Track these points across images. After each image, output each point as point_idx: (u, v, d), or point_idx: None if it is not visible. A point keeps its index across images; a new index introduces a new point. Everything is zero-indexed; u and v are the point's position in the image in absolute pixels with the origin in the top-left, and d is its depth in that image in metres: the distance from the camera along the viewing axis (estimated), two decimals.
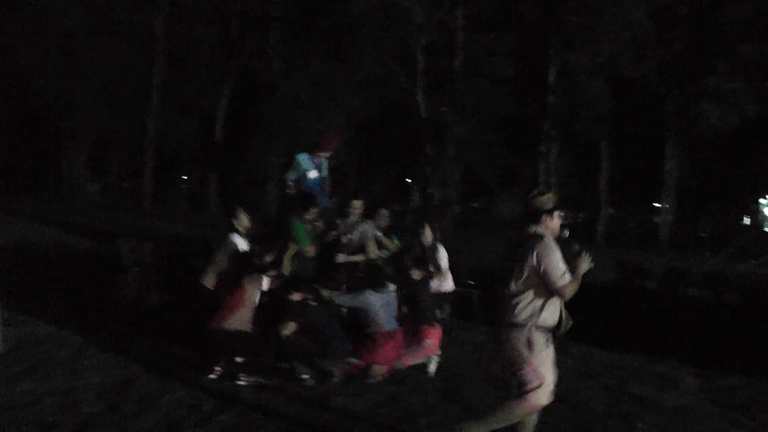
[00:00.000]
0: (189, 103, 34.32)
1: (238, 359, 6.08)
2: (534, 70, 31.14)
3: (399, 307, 6.60)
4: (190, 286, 6.97)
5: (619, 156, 33.48)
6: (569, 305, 4.30)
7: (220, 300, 6.22)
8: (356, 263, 7.07)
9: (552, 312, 4.17)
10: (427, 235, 7.44)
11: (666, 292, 12.35)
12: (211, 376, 6.01)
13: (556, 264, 4.08)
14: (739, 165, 33.54)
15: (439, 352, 6.70)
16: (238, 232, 6.56)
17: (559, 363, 6.38)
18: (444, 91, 30.37)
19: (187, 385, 5.84)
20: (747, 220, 43.14)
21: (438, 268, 7.38)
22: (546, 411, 4.48)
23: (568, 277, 4.08)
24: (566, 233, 4.35)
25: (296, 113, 27.96)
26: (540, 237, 4.17)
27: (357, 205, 7.40)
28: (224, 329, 6.05)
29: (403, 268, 6.83)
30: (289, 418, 5.21)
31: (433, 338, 6.52)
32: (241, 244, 6.51)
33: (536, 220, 4.25)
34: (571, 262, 4.18)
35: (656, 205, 37.83)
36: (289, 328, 6.11)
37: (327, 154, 7.90)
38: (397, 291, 6.61)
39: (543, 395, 4.16)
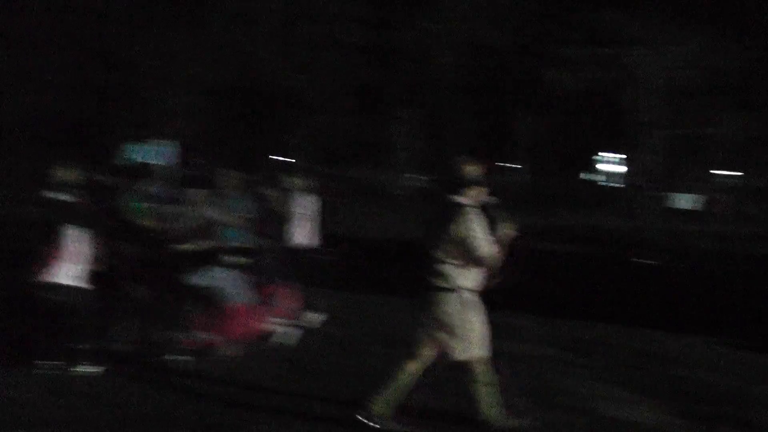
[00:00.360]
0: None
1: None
2: (389, 36, 31.29)
3: (251, 279, 6.50)
4: None
5: (472, 120, 34.54)
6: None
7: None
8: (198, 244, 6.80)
9: (477, 276, 4.30)
10: (274, 198, 7.26)
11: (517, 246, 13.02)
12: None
13: (478, 235, 4.17)
14: (578, 124, 35.60)
15: (292, 321, 6.66)
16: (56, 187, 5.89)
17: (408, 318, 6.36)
18: (298, 59, 29.89)
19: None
20: (586, 176, 46.19)
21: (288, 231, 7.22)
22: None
23: (488, 246, 4.19)
24: (492, 200, 4.37)
25: (140, 82, 26.50)
26: (462, 206, 4.24)
27: (195, 192, 7.04)
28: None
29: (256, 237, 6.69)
30: (129, 395, 5.01)
31: (283, 305, 6.47)
32: (59, 196, 5.80)
33: (459, 189, 4.30)
34: (495, 229, 4.28)
35: (511, 166, 39.59)
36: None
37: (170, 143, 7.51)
38: (249, 263, 6.51)
39: (479, 347, 4.31)
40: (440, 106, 32.73)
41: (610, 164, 39.18)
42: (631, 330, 7.49)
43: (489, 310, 4.40)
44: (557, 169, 43.85)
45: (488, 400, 4.37)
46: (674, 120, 27.01)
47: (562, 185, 41.03)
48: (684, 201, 30.50)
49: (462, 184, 4.30)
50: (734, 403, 5.19)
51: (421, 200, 28.99)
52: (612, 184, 37.64)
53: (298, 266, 7.07)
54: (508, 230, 4.33)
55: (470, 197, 4.31)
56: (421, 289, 4.35)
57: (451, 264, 4.23)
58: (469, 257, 4.21)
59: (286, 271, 6.83)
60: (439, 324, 4.27)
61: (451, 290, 4.25)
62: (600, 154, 40.12)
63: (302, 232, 7.35)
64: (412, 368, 4.38)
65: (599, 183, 40.35)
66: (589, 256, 13.02)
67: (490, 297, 4.42)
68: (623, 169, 35.30)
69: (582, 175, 45.19)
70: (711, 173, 32.10)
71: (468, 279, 4.28)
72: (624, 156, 34.37)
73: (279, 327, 6.55)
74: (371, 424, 4.31)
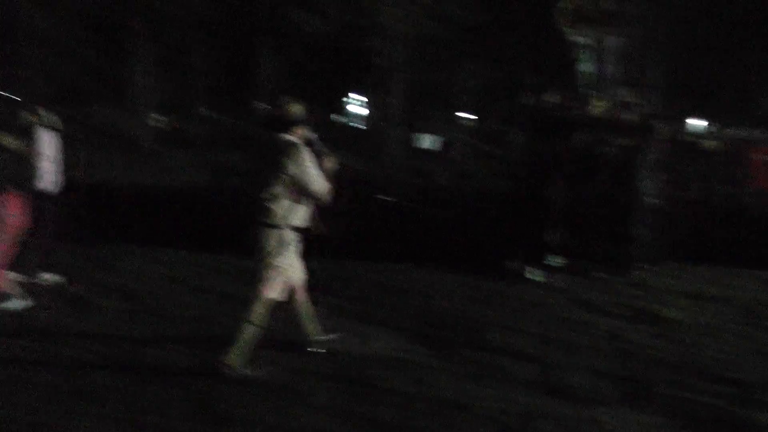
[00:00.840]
0: None
1: None
2: None
3: None
4: None
5: (214, 57, 33.37)
6: None
7: None
8: None
9: (303, 214, 4.49)
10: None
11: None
12: None
13: (311, 170, 4.33)
14: (326, 66, 36.09)
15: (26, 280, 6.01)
16: None
17: (148, 270, 6.10)
18: None
19: None
20: (335, 117, 47.49)
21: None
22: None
23: (321, 181, 4.38)
24: (315, 137, 4.57)
25: None
26: (294, 144, 4.38)
27: None
28: None
29: None
30: None
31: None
32: None
33: (288, 128, 4.46)
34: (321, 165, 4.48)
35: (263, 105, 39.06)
36: None
37: None
38: None
39: (281, 291, 4.54)
40: (180, 41, 31.13)
41: (358, 106, 40.48)
42: (376, 265, 7.80)
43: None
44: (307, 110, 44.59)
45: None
46: (416, 66, 28.47)
47: (311, 125, 41.69)
48: (427, 141, 32.47)
49: (291, 122, 4.48)
50: (471, 327, 5.67)
51: (163, 143, 27.67)
52: (359, 125, 38.93)
53: (40, 215, 6.36)
54: (331, 164, 4.59)
55: (298, 135, 4.49)
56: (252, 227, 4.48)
57: (281, 201, 4.37)
58: (303, 193, 4.39)
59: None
60: (261, 260, 4.44)
61: (275, 227, 4.40)
62: (350, 96, 41.38)
63: (46, 176, 6.66)
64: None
65: (348, 124, 41.91)
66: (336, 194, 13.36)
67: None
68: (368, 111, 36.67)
69: (332, 117, 46.61)
70: (454, 116, 34.53)
71: (296, 216, 4.46)
72: (368, 99, 35.67)
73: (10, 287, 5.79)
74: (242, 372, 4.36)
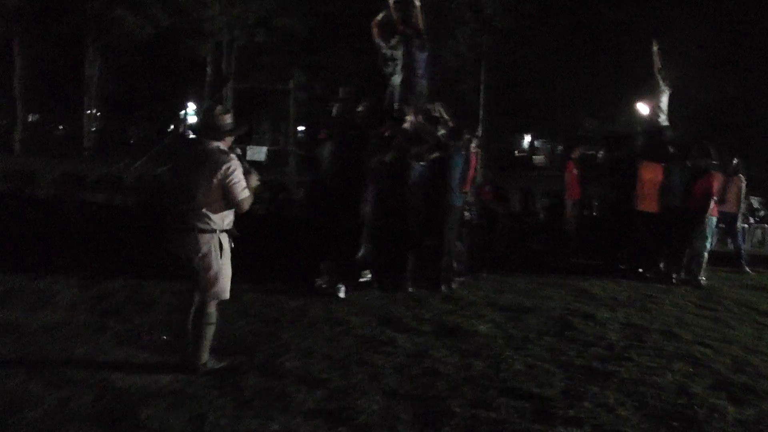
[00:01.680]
0: None
1: None
2: None
3: None
4: None
5: (37, 58, 30.80)
6: None
7: None
8: None
9: (231, 218, 4.61)
10: None
11: (59, 198, 12.03)
12: None
13: (241, 180, 4.46)
14: (161, 75, 34.51)
15: None
16: None
17: None
18: None
19: None
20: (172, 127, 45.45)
21: None
22: None
23: (247, 191, 4.51)
24: (238, 151, 4.64)
25: None
26: (226, 153, 4.49)
27: None
28: None
29: None
30: None
31: None
32: None
33: (219, 136, 4.55)
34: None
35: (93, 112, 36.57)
36: None
37: None
38: None
39: (227, 289, 4.65)
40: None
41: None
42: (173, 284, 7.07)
43: None
44: (140, 118, 42.43)
45: (208, 341, 4.63)
46: (245, 74, 27.84)
47: (147, 134, 39.69)
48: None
49: (223, 131, 4.57)
50: (264, 351, 5.16)
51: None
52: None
53: None
54: (255, 180, 4.66)
55: (226, 144, 4.60)
56: (174, 231, 4.53)
57: (210, 207, 4.44)
58: (231, 201, 4.48)
59: None
60: (202, 264, 4.49)
61: (211, 231, 4.47)
62: (188, 106, 39.71)
63: None
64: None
65: (185, 134, 40.18)
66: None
67: None
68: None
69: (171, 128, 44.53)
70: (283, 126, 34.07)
71: (224, 221, 4.54)
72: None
73: None
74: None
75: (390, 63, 7.97)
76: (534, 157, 47.39)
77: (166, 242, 4.57)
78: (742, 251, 10.82)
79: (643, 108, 11.44)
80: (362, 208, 7.29)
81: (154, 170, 18.12)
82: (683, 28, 21.39)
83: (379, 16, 7.97)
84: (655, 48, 10.11)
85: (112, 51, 30.41)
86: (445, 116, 7.75)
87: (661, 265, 9.45)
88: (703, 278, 9.17)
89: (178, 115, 42.77)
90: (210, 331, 4.59)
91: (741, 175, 10.59)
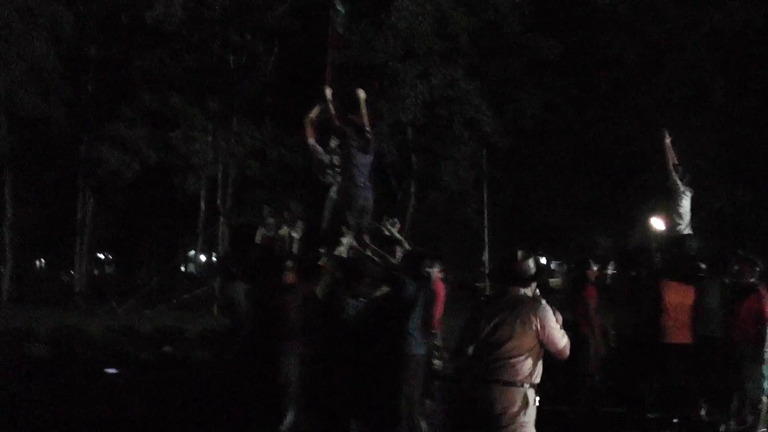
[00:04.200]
0: None
1: None
2: None
3: None
4: None
5: (27, 201, 29.99)
6: None
7: None
8: None
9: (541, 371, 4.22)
10: None
11: None
12: None
13: (558, 328, 4.19)
14: (158, 214, 33.66)
15: None
16: None
17: None
18: None
19: None
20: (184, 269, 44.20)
21: None
22: None
23: (566, 339, 4.23)
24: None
25: None
26: (539, 301, 4.24)
27: None
28: None
29: None
30: None
31: None
32: None
33: (527, 284, 4.28)
34: None
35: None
36: None
37: None
38: None
39: None
40: None
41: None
42: None
43: None
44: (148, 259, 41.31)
45: None
46: (240, 209, 26.53)
47: (156, 276, 38.24)
48: None
49: (530, 278, 4.30)
50: None
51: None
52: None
53: None
54: None
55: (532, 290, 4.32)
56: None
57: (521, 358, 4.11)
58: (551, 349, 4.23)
59: None
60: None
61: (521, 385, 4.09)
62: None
63: None
64: None
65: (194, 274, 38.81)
66: None
67: None
68: None
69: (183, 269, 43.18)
70: None
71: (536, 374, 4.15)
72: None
73: None
74: None
75: (329, 172, 6.27)
76: (550, 280, 45.15)
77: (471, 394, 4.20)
78: None
79: (657, 223, 9.44)
80: (284, 363, 5.34)
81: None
82: (692, 132, 20.11)
83: (313, 111, 6.35)
84: (667, 140, 8.31)
85: (103, 192, 29.55)
86: (398, 236, 5.90)
87: (703, 413, 7.28)
88: (762, 429, 6.95)
89: (185, 254, 41.70)
90: None
91: None
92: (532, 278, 4.29)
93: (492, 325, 4.14)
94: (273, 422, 5.36)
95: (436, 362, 6.10)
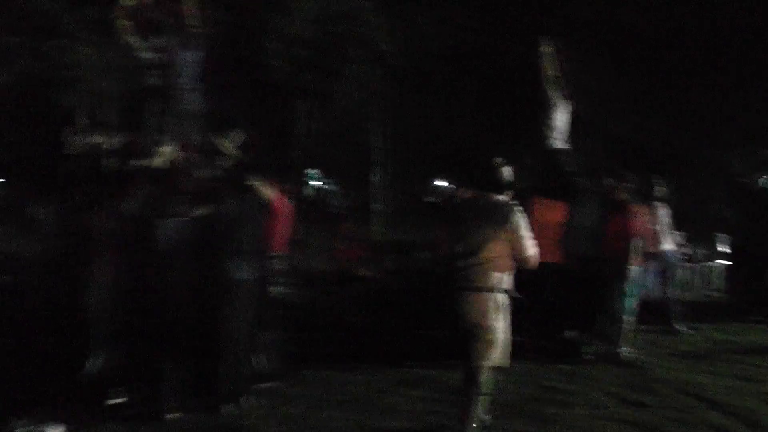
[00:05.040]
0: None
1: None
2: None
3: None
4: None
5: None
6: None
7: None
8: None
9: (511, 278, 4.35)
10: None
11: None
12: None
13: (529, 236, 4.30)
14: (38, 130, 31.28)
15: None
16: None
17: None
18: None
19: None
20: None
21: None
22: None
23: (536, 248, 4.35)
24: None
25: None
26: (514, 207, 4.32)
27: None
28: None
29: None
30: None
31: None
32: None
33: (503, 190, 4.39)
34: None
35: None
36: None
37: None
38: None
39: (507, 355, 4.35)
40: None
41: None
42: None
43: None
44: None
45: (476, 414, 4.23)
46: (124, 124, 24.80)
47: None
48: None
49: (503, 184, 4.46)
50: None
51: None
52: None
53: None
54: None
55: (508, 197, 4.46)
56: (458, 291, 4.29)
57: (494, 263, 4.30)
58: (518, 256, 4.35)
59: None
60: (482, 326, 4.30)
61: (492, 290, 4.29)
62: None
63: None
64: None
65: None
66: None
67: None
68: None
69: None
70: None
71: (505, 280, 4.33)
72: None
73: None
74: None
75: (153, 72, 5.37)
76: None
77: (453, 302, 4.27)
78: (672, 304, 8.54)
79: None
80: (88, 294, 4.59)
81: None
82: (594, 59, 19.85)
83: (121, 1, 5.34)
84: (544, 49, 7.66)
85: None
86: (233, 151, 5.13)
87: (569, 334, 7.06)
88: (625, 349, 6.79)
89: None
90: (481, 403, 4.27)
91: (665, 204, 8.40)
92: (508, 185, 4.42)
93: (470, 228, 4.30)
94: (78, 362, 4.66)
95: (276, 289, 5.47)
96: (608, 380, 5.95)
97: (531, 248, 4.32)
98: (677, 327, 8.32)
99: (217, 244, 4.72)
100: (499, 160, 4.51)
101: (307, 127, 23.31)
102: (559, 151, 7.50)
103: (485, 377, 4.25)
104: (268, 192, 5.38)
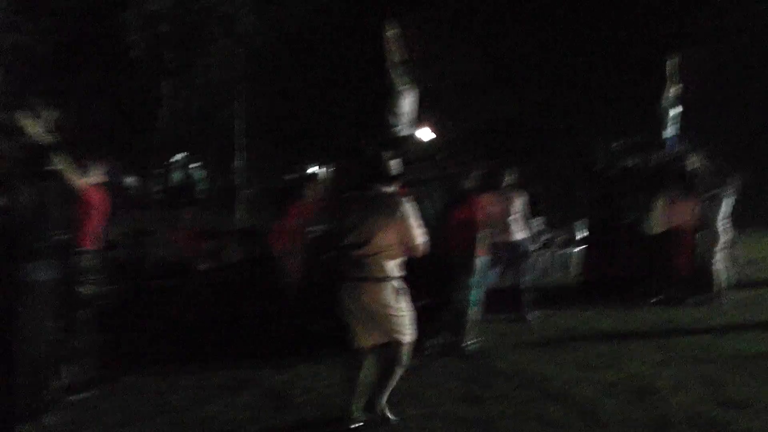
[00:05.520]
0: None
1: None
2: None
3: None
4: None
5: None
6: None
7: None
8: None
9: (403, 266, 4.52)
10: None
11: None
12: None
13: (417, 225, 4.41)
14: None
15: None
16: None
17: None
18: None
19: None
20: None
21: None
22: None
23: (425, 237, 4.46)
24: None
25: None
26: (401, 197, 4.43)
27: None
28: None
29: None
30: None
31: None
32: None
33: (390, 182, 4.52)
34: None
35: None
36: None
37: None
38: None
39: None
40: None
41: None
42: None
43: None
44: None
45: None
46: None
47: None
48: None
49: (391, 177, 4.60)
50: None
51: None
52: None
53: None
54: None
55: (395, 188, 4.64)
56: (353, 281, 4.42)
57: (386, 253, 4.42)
58: (407, 244, 4.46)
59: None
60: (388, 311, 4.48)
61: (387, 279, 4.46)
62: None
63: None
64: None
65: None
66: None
67: None
68: None
69: None
70: None
71: (398, 267, 4.51)
72: None
73: None
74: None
75: None
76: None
77: (343, 292, 4.39)
78: (523, 293, 8.54)
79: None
80: None
81: None
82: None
83: None
84: (388, 33, 7.36)
85: None
86: (38, 131, 4.48)
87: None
88: (469, 342, 6.68)
89: None
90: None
91: (522, 192, 8.33)
92: (396, 177, 4.57)
93: (359, 220, 4.38)
94: None
95: (84, 288, 4.89)
96: (448, 375, 5.79)
97: (420, 237, 4.43)
98: (527, 316, 8.32)
99: (8, 240, 4.08)
100: (387, 153, 4.65)
101: (170, 108, 22.18)
102: (407, 137, 7.27)
103: (408, 351, 4.53)
104: (76, 179, 4.77)
